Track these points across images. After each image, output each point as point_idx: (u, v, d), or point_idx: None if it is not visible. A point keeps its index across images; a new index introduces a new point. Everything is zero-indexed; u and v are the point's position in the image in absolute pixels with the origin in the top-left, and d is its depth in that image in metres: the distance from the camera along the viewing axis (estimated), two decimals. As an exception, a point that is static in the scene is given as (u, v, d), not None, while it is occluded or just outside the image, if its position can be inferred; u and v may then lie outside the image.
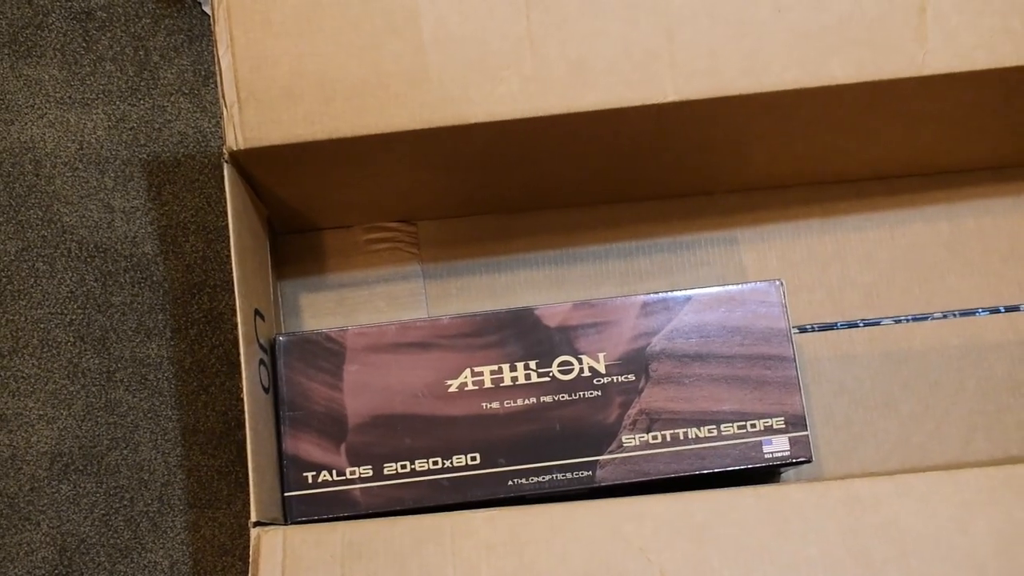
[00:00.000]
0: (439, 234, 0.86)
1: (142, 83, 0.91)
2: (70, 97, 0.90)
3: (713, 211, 0.87)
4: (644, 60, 0.71)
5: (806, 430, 0.72)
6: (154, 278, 0.88)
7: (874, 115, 0.76)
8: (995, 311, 0.86)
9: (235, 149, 0.70)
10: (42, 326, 0.87)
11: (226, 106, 0.70)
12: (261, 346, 0.72)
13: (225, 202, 0.70)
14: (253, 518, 0.65)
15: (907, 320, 0.86)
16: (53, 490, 0.85)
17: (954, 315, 0.86)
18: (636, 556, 0.64)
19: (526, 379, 0.72)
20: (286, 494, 0.71)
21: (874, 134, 0.80)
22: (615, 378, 0.73)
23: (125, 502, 0.85)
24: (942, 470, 0.67)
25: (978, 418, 0.84)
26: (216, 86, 0.70)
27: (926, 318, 0.86)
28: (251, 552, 0.64)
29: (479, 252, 0.86)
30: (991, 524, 0.64)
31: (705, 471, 0.72)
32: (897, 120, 0.78)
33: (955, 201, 0.88)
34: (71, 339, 0.87)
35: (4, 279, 0.87)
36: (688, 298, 0.74)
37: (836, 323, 0.86)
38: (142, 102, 0.91)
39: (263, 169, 0.74)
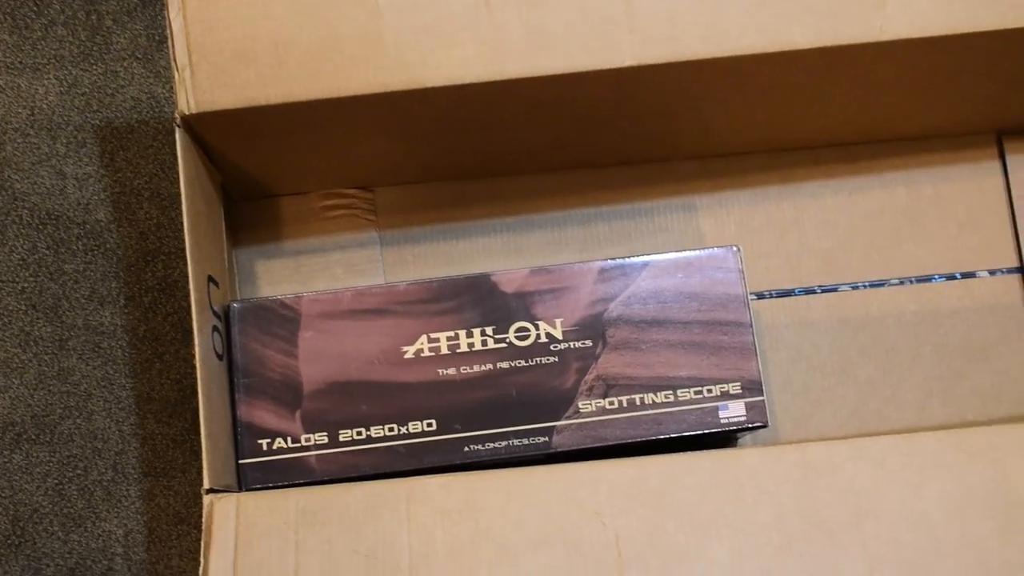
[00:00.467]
0: (397, 201, 0.86)
1: (94, 48, 0.89)
2: (21, 62, 0.89)
3: (672, 178, 0.87)
4: (602, 25, 0.70)
5: (762, 395, 0.72)
6: (107, 245, 0.87)
7: (833, 81, 0.76)
8: (951, 277, 0.86)
9: (187, 113, 0.69)
10: (-7, 294, 0.86)
11: (177, 69, 0.69)
12: (215, 313, 0.71)
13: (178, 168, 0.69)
14: (206, 485, 0.64)
15: (864, 286, 0.86)
16: (5, 459, 0.84)
17: (911, 281, 0.86)
18: (591, 521, 0.64)
19: (483, 345, 0.72)
20: (240, 461, 0.70)
21: (833, 100, 0.80)
22: (572, 344, 0.72)
23: (79, 471, 0.84)
24: (897, 434, 0.67)
25: (934, 384, 0.85)
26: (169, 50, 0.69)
27: (883, 284, 0.86)
28: (204, 519, 0.64)
29: (437, 219, 0.86)
30: (944, 488, 0.65)
31: (662, 436, 0.72)
32: (856, 86, 0.78)
33: (913, 168, 0.88)
34: (23, 307, 0.85)
35: (-46, 246, 0.86)
36: (645, 264, 0.74)
37: (794, 289, 0.86)
38: (94, 67, 0.89)
39: (216, 134, 0.73)
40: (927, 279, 0.86)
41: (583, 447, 0.71)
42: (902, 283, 0.86)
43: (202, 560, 0.63)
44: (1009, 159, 0.88)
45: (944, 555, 0.64)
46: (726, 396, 0.72)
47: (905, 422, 0.84)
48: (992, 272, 0.87)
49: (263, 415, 0.71)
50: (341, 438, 0.71)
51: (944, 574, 0.63)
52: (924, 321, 0.86)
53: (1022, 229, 0.87)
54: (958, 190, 0.88)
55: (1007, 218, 0.88)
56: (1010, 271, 0.87)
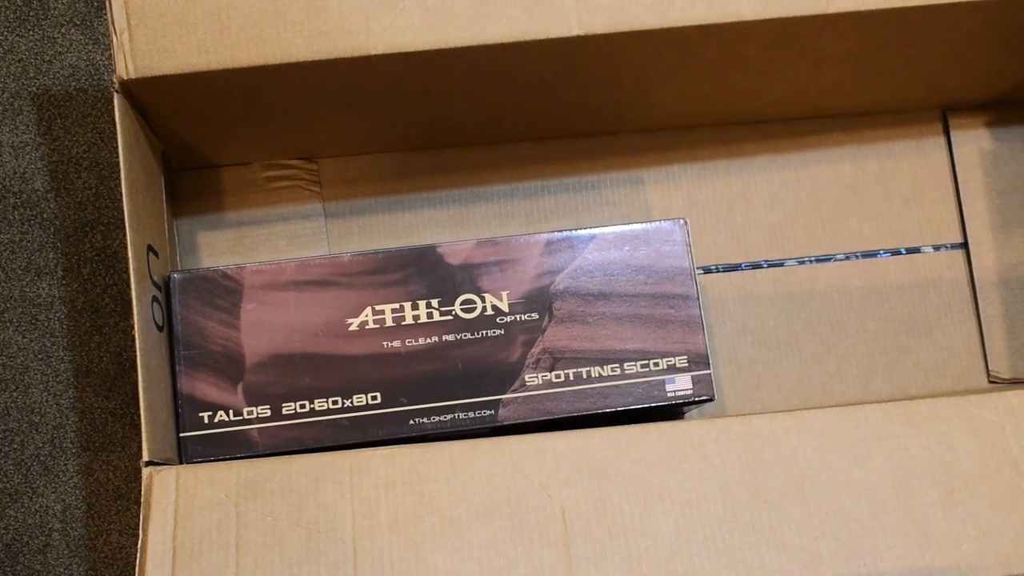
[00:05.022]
0: (341, 172, 0.84)
1: (31, 13, 0.87)
2: (-45, 27, 0.87)
3: (619, 151, 0.86)
4: (549, -6, 0.70)
5: (709, 369, 0.72)
6: (44, 215, 0.85)
7: (779, 54, 0.76)
8: (896, 253, 0.87)
9: (126, 78, 0.67)
10: (-74, 265, 0.84)
11: (116, 33, 0.67)
12: (155, 283, 0.70)
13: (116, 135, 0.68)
14: (145, 457, 0.63)
15: (810, 261, 0.86)
16: (-61, 434, 0.82)
17: (856, 256, 0.87)
18: (537, 493, 0.63)
19: (428, 318, 0.71)
20: (181, 435, 0.69)
21: (779, 73, 0.79)
22: (518, 317, 0.72)
23: (15, 445, 0.82)
24: (841, 406, 0.67)
25: (878, 358, 0.85)
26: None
27: (829, 259, 0.86)
28: (143, 492, 0.62)
29: (382, 190, 0.84)
30: (888, 458, 0.65)
31: (608, 410, 0.71)
32: (802, 60, 0.78)
33: (859, 143, 0.88)
34: (-43, 278, 0.84)
35: None
36: (592, 236, 0.73)
37: (740, 264, 0.86)
38: (31, 33, 0.87)
39: (156, 101, 0.71)
40: (872, 254, 0.87)
41: (529, 420, 0.71)
42: (847, 258, 0.86)
43: (141, 533, 0.62)
44: (954, 135, 0.89)
45: (887, 526, 0.64)
46: (673, 369, 0.72)
47: (849, 396, 0.85)
48: (936, 247, 0.87)
49: (204, 388, 0.70)
50: (284, 411, 0.70)
51: (887, 544, 0.63)
52: (869, 296, 0.86)
53: (966, 205, 0.88)
54: (903, 166, 0.88)
55: (951, 194, 0.88)
56: (954, 246, 0.87)
